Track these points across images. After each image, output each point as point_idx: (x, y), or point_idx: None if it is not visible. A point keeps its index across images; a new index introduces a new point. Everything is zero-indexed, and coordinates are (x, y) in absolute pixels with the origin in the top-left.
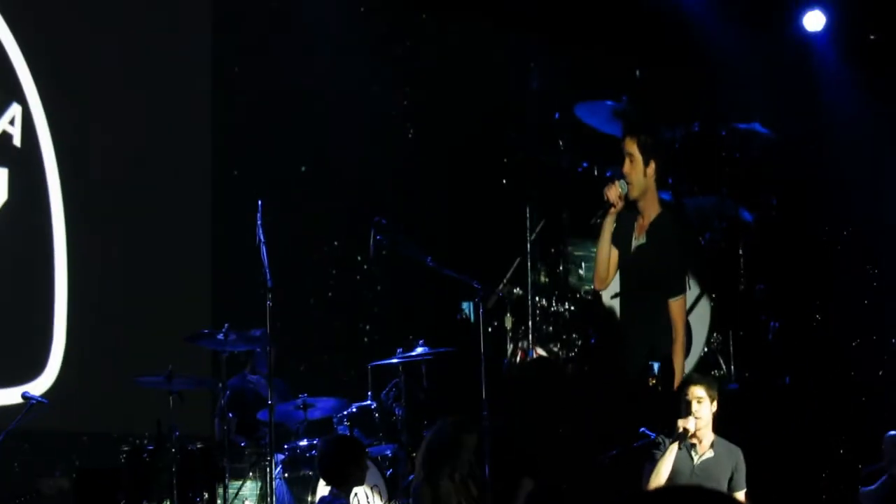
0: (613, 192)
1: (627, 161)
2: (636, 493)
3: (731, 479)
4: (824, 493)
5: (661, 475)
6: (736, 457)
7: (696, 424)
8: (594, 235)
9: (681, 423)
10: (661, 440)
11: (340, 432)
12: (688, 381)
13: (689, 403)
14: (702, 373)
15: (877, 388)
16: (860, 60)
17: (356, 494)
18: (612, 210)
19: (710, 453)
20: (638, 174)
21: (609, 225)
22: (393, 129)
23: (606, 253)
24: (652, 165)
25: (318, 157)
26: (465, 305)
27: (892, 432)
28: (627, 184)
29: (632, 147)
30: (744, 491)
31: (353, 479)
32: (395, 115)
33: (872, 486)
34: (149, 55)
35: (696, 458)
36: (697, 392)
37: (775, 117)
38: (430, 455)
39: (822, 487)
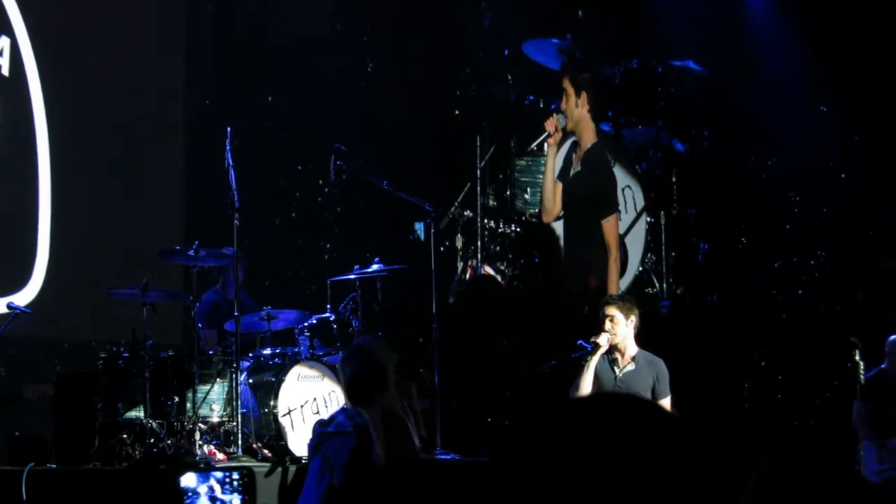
0: (550, 123)
1: (564, 96)
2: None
3: (653, 389)
4: (747, 401)
5: (583, 388)
6: (657, 367)
7: (608, 340)
8: (537, 161)
9: (594, 338)
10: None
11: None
12: (603, 302)
13: (603, 321)
14: (632, 292)
15: (796, 306)
16: (786, 3)
17: (315, 399)
18: (551, 140)
19: (631, 366)
20: (570, 107)
21: (551, 160)
22: (353, 63)
23: (550, 187)
24: (583, 97)
25: (284, 89)
26: (417, 226)
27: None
28: (565, 117)
29: (566, 83)
30: (668, 398)
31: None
32: (356, 51)
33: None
34: None
35: (618, 371)
36: (609, 311)
37: (708, 55)
38: (361, 383)
39: (744, 396)
